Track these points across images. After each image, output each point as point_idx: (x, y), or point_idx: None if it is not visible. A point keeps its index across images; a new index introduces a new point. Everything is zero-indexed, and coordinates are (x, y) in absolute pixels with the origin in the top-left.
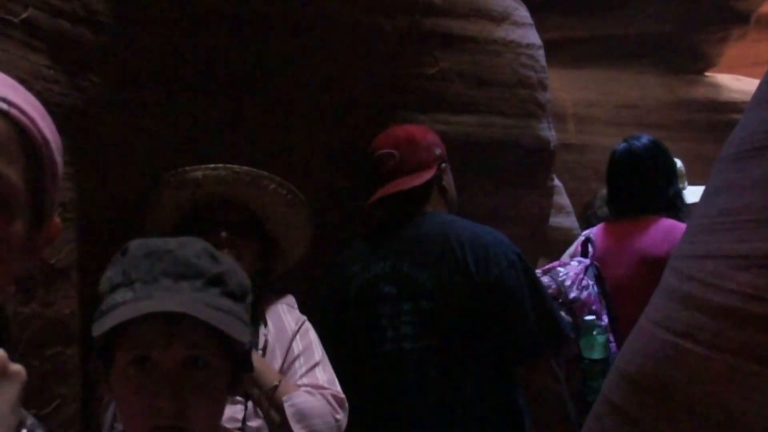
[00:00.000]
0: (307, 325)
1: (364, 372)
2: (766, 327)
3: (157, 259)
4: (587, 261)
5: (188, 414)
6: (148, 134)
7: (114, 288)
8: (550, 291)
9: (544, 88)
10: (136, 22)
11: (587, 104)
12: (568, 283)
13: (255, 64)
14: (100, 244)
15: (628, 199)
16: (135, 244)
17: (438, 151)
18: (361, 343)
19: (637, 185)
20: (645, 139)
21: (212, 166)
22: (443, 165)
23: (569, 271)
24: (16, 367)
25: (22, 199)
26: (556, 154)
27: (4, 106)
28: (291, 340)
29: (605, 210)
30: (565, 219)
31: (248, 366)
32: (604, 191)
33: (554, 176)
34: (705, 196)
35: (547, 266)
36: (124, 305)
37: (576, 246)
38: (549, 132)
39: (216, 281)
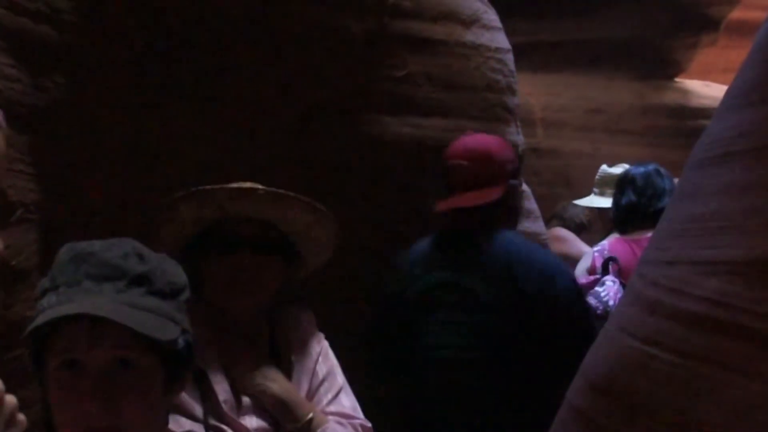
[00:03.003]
0: (326, 344)
1: (414, 375)
2: (732, 334)
3: (81, 261)
4: (618, 280)
5: (120, 415)
6: (112, 135)
7: (43, 293)
8: (598, 311)
9: (512, 92)
10: (100, 22)
11: (556, 109)
12: (611, 303)
13: (219, 64)
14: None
15: (651, 215)
16: (64, 249)
17: (509, 167)
18: (415, 347)
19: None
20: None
21: (235, 186)
22: (513, 182)
23: (608, 290)
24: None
25: None
26: (525, 158)
27: None
28: (315, 362)
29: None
30: (532, 224)
31: (187, 365)
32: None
33: (522, 181)
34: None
35: (581, 283)
36: (47, 310)
37: (592, 262)
38: (517, 137)
39: (140, 281)
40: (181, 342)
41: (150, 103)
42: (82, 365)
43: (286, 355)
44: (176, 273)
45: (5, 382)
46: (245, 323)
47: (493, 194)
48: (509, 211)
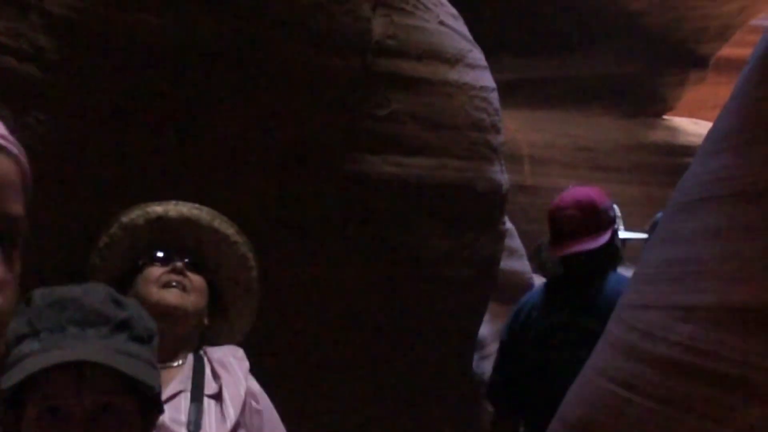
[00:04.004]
0: (257, 385)
1: (537, 406)
2: (706, 380)
3: (62, 307)
4: None
5: None
6: (94, 172)
7: (20, 339)
8: None
9: (497, 131)
10: (83, 60)
11: (543, 146)
12: None
13: (201, 103)
14: (44, 284)
15: None
16: (39, 293)
17: (612, 214)
18: (538, 381)
19: None
20: None
21: (173, 201)
22: (615, 226)
23: None
24: None
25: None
26: (511, 195)
27: (4, 142)
28: (245, 396)
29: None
30: (516, 262)
31: (159, 408)
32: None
33: (506, 219)
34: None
35: None
36: (31, 356)
37: None
38: (501, 175)
39: (122, 326)
40: (156, 387)
41: (131, 141)
42: (66, 411)
43: (213, 380)
44: (149, 318)
45: None
46: (169, 351)
47: (603, 239)
48: (615, 253)
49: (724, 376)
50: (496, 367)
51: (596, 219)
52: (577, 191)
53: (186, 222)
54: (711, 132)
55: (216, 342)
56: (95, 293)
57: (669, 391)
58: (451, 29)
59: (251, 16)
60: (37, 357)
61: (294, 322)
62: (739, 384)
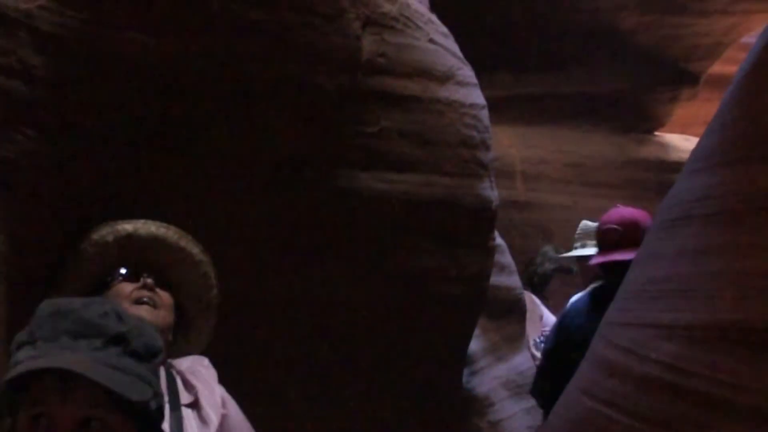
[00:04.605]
0: (225, 393)
1: None
2: (687, 398)
3: (61, 318)
4: None
5: None
6: (83, 188)
7: (20, 346)
8: None
9: (487, 148)
10: (72, 77)
11: (536, 162)
12: None
13: (192, 119)
14: (32, 298)
15: None
16: (44, 304)
17: None
18: None
19: None
20: None
21: (141, 220)
22: None
23: None
24: None
25: None
26: (503, 211)
27: None
28: (221, 403)
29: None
30: (507, 278)
31: (157, 425)
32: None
33: (496, 235)
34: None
35: None
36: (23, 362)
37: None
38: (491, 192)
39: (117, 340)
40: (153, 404)
41: (120, 158)
42: (50, 420)
43: (188, 390)
44: (152, 336)
45: None
46: None
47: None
48: None
49: (704, 394)
50: (542, 372)
51: (635, 234)
52: (624, 209)
53: (154, 240)
54: (694, 151)
55: (174, 356)
56: (97, 306)
57: (650, 409)
58: (441, 47)
59: (241, 33)
60: (25, 364)
61: (283, 338)
62: (718, 402)
